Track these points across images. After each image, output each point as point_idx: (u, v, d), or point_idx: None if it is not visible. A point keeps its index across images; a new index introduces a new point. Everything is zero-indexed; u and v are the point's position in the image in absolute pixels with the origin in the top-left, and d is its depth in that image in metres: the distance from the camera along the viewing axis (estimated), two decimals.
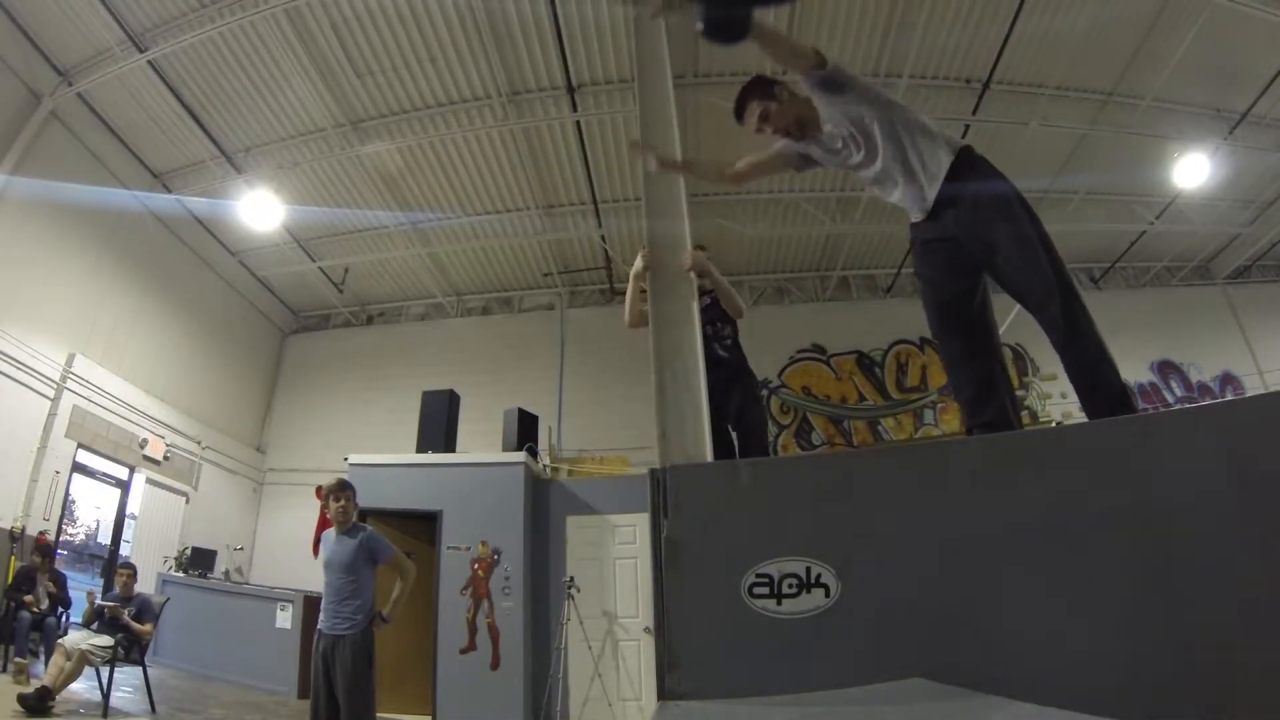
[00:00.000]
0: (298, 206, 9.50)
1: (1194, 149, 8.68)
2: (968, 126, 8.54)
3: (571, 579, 7.06)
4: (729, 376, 3.49)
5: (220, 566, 9.47)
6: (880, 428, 10.78)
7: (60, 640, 5.06)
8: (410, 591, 4.23)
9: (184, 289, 10.04)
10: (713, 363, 3.28)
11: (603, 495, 7.79)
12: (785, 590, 1.21)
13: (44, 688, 4.80)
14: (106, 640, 5.12)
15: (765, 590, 1.21)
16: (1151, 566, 1.11)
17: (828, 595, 1.20)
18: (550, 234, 10.37)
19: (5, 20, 6.94)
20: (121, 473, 8.77)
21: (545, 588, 7.36)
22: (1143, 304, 11.05)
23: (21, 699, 4.67)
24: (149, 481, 9.08)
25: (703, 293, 3.37)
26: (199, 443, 10.09)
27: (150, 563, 8.45)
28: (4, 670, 5.64)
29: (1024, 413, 10.56)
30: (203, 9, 7.08)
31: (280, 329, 12.39)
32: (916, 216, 2.34)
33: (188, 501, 9.79)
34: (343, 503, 4.13)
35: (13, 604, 5.96)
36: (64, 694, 4.97)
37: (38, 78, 7.42)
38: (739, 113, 2.55)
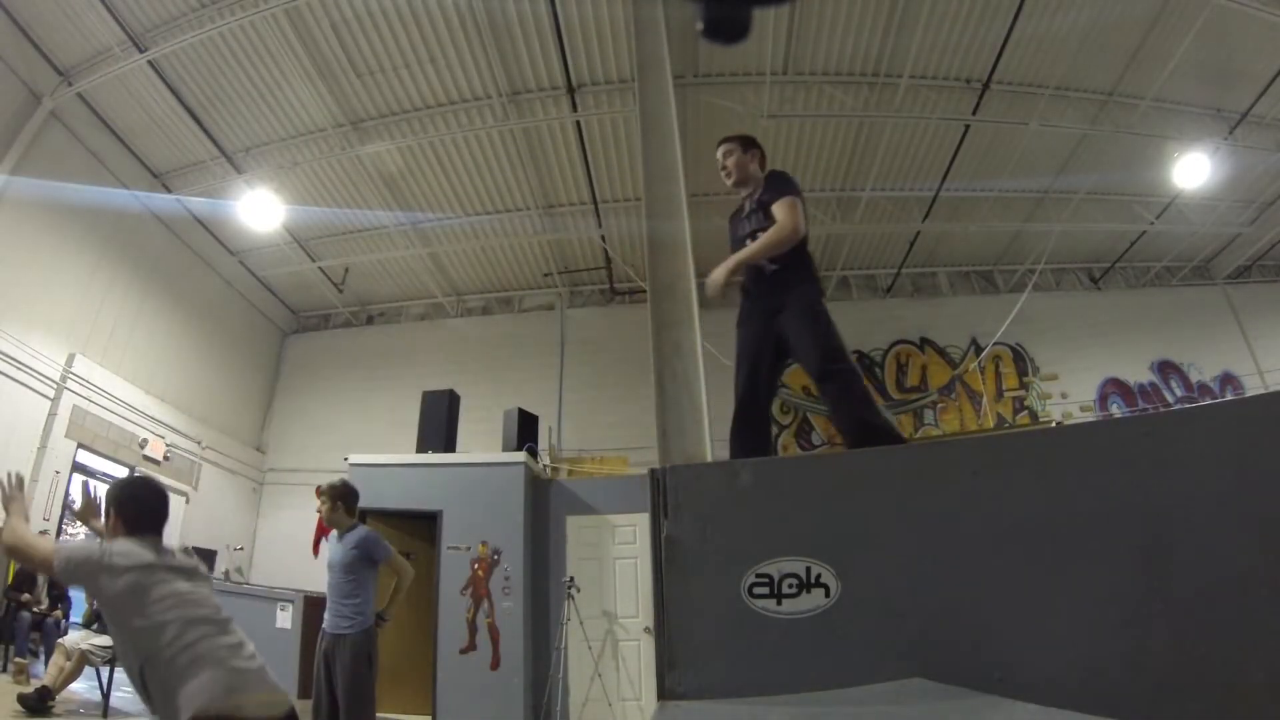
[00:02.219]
0: (298, 206, 9.51)
1: (1194, 149, 8.68)
2: (968, 127, 8.55)
3: (571, 579, 7.06)
4: (774, 308, 2.68)
5: (220, 566, 9.47)
6: None
7: (60, 640, 5.07)
8: (408, 592, 4.23)
9: (184, 289, 10.04)
10: (755, 285, 2.78)
11: (603, 495, 7.79)
12: (785, 590, 1.21)
13: (44, 688, 4.80)
14: (106, 640, 5.12)
15: (765, 590, 1.21)
16: (1152, 566, 1.11)
17: (828, 595, 1.20)
18: (550, 234, 10.37)
19: (5, 20, 6.94)
20: (121, 473, 8.77)
21: (545, 588, 7.36)
22: (1143, 304, 11.06)
23: (21, 699, 4.67)
24: None
25: (748, 196, 2.97)
26: (199, 443, 10.09)
27: None
28: (4, 670, 5.64)
29: (1024, 413, 10.59)
30: (203, 9, 7.09)
31: (280, 329, 12.39)
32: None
33: (188, 501, 9.79)
34: (318, 505, 4.15)
35: (12, 604, 5.96)
36: (64, 694, 4.97)
37: (38, 78, 7.42)
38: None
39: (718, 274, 2.67)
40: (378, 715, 4.04)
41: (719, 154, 3.04)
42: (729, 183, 3.03)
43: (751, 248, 2.72)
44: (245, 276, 11.22)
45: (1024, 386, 10.69)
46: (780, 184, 2.83)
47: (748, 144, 3.03)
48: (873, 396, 2.62)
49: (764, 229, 2.77)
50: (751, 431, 2.67)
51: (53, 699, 4.79)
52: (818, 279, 2.81)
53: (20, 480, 2.30)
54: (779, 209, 2.72)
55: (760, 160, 3.02)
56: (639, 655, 7.07)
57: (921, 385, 10.86)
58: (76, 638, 5.11)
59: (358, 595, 3.92)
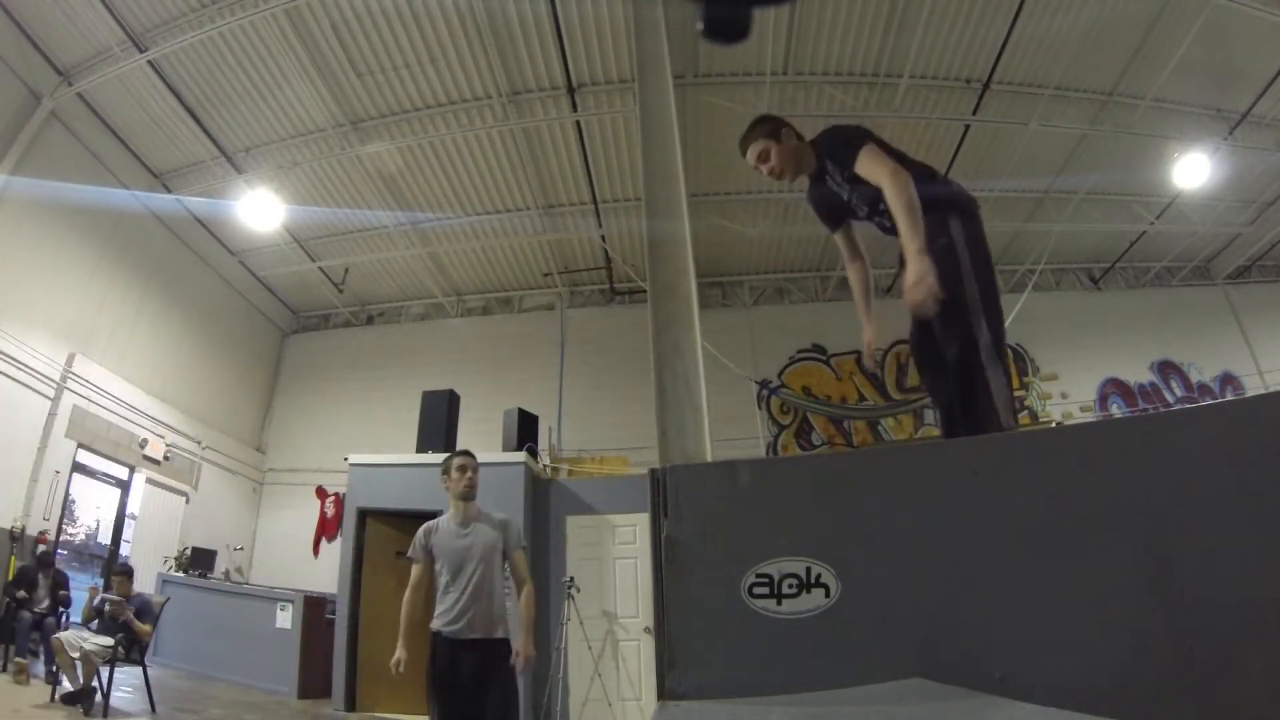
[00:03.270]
0: (298, 206, 9.51)
1: (1194, 149, 8.69)
2: (968, 127, 8.55)
3: (571, 579, 7.06)
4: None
5: (220, 566, 9.47)
6: (880, 428, 10.78)
7: (56, 636, 5.06)
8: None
9: (184, 289, 10.05)
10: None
11: (603, 495, 7.79)
12: (785, 590, 1.21)
13: (76, 691, 4.91)
14: (107, 640, 5.13)
15: (765, 590, 1.21)
16: (1151, 566, 1.11)
17: (828, 595, 1.20)
18: (550, 234, 10.37)
19: (5, 20, 6.95)
20: (121, 473, 8.77)
21: (545, 588, 7.36)
22: (1143, 304, 11.07)
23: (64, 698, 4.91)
24: (149, 481, 9.09)
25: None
26: (199, 443, 10.10)
27: (150, 563, 8.46)
28: (4, 670, 5.64)
29: (1024, 413, 10.58)
30: (203, 9, 7.09)
31: (280, 329, 12.40)
32: None
33: (188, 501, 9.80)
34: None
35: (13, 604, 5.96)
36: (64, 693, 4.99)
37: (38, 78, 7.42)
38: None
39: (919, 289, 2.01)
40: (377, 715, 4.00)
41: (750, 158, 2.54)
42: (783, 180, 2.56)
43: (906, 240, 2.08)
44: (245, 276, 11.22)
45: (1024, 386, 10.69)
46: (837, 147, 2.37)
47: (773, 129, 2.51)
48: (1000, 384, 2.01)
49: (871, 203, 2.37)
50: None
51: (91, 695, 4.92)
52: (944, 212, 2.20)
53: None
54: (864, 168, 2.23)
55: (797, 134, 2.52)
56: (639, 655, 7.07)
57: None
58: (73, 636, 5.10)
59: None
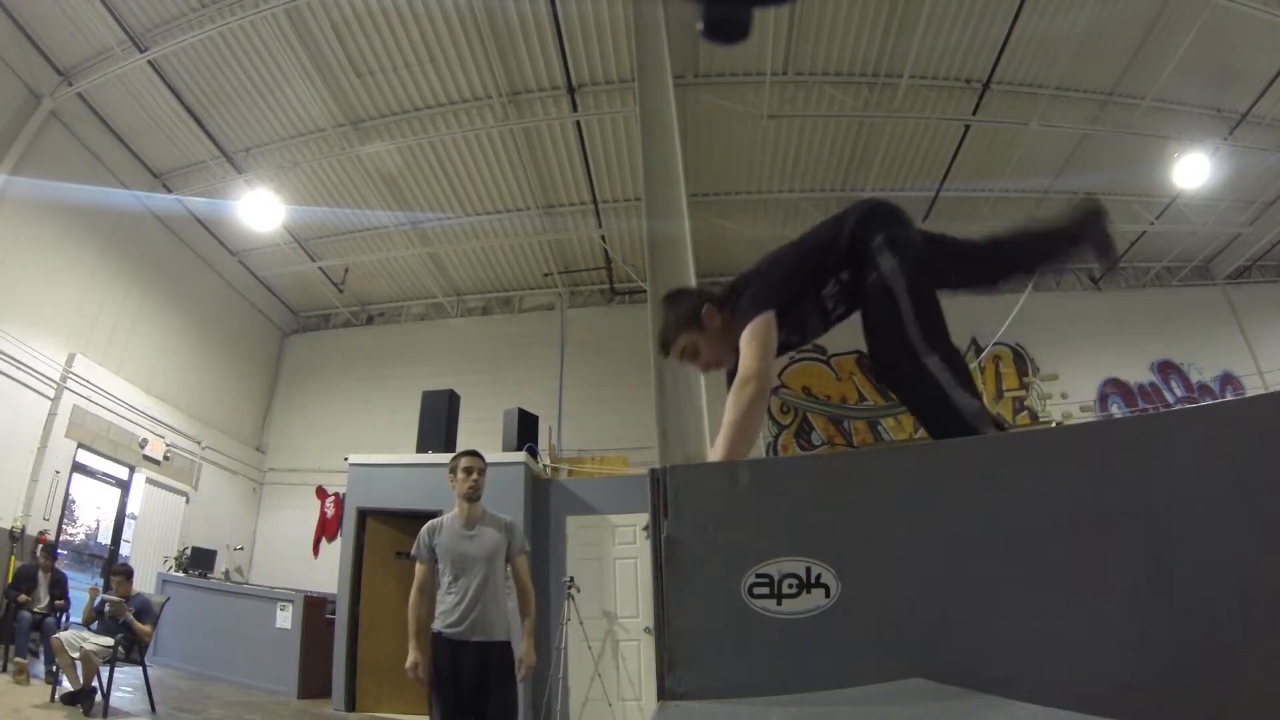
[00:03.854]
0: (298, 206, 9.51)
1: (1194, 149, 8.68)
2: (968, 127, 8.55)
3: (571, 579, 7.06)
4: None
5: (220, 566, 9.47)
6: (880, 428, 10.78)
7: (56, 636, 5.06)
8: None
9: (184, 289, 10.05)
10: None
11: (603, 495, 7.79)
12: (785, 590, 1.21)
13: (76, 691, 4.90)
14: (107, 640, 5.13)
15: (765, 590, 1.21)
16: (1151, 567, 1.11)
17: (828, 595, 1.20)
18: (550, 234, 10.37)
19: (5, 20, 6.95)
20: (121, 473, 8.77)
21: (545, 588, 7.36)
22: (1143, 304, 11.06)
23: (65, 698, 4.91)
24: (149, 481, 9.09)
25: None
26: (199, 443, 10.10)
27: (150, 563, 8.46)
28: (4, 670, 5.64)
29: (1024, 413, 10.59)
30: (203, 9, 7.09)
31: (280, 329, 12.40)
32: None
33: (188, 501, 9.80)
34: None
35: (13, 604, 5.96)
36: (64, 693, 4.99)
37: (38, 78, 7.42)
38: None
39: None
40: (377, 715, 4.00)
41: (674, 356, 2.09)
42: (720, 369, 2.07)
43: (719, 438, 1.71)
44: (245, 276, 11.23)
45: (1024, 387, 10.69)
46: (745, 304, 1.91)
47: (691, 314, 2.02)
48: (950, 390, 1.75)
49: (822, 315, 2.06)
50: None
51: (89, 695, 4.92)
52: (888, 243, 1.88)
53: None
54: (743, 340, 1.81)
55: (718, 301, 2.03)
56: (639, 655, 7.07)
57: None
58: (71, 636, 5.10)
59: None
